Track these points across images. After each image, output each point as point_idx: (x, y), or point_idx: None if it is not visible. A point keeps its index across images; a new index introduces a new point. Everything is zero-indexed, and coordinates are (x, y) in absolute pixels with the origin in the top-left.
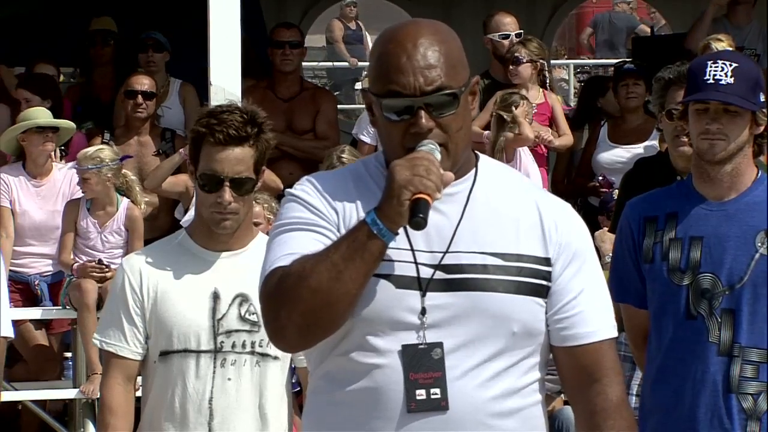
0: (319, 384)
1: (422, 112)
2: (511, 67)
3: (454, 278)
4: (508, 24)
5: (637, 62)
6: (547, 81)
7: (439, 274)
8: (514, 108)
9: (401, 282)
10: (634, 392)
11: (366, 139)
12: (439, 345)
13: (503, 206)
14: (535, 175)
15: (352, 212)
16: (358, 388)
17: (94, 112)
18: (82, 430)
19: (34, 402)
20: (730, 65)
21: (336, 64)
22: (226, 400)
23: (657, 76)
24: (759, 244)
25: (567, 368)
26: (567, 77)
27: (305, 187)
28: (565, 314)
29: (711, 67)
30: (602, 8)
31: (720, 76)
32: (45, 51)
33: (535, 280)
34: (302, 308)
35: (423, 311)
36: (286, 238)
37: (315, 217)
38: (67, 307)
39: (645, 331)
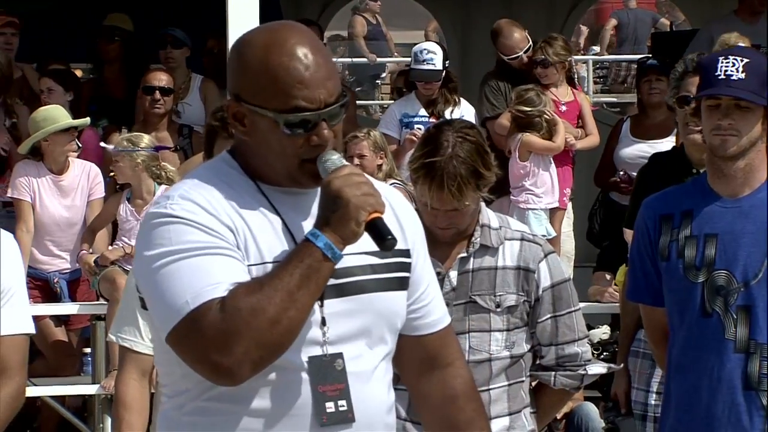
0: (208, 404)
1: (324, 124)
2: (539, 69)
3: (345, 282)
4: (518, 41)
5: (660, 58)
6: (576, 78)
7: (331, 280)
8: (531, 104)
9: None
10: (654, 390)
11: (391, 133)
12: (340, 355)
13: None
14: (545, 179)
15: (244, 228)
16: (264, 405)
17: (108, 110)
18: (101, 425)
19: (53, 398)
20: (742, 60)
21: (355, 60)
22: None
23: (673, 69)
24: None
25: (415, 356)
26: (585, 73)
27: (184, 206)
28: (421, 303)
29: (722, 62)
30: (620, 4)
31: (731, 71)
32: (60, 47)
33: (403, 273)
34: (262, 341)
35: (323, 321)
36: (196, 265)
37: (214, 239)
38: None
39: (664, 328)
